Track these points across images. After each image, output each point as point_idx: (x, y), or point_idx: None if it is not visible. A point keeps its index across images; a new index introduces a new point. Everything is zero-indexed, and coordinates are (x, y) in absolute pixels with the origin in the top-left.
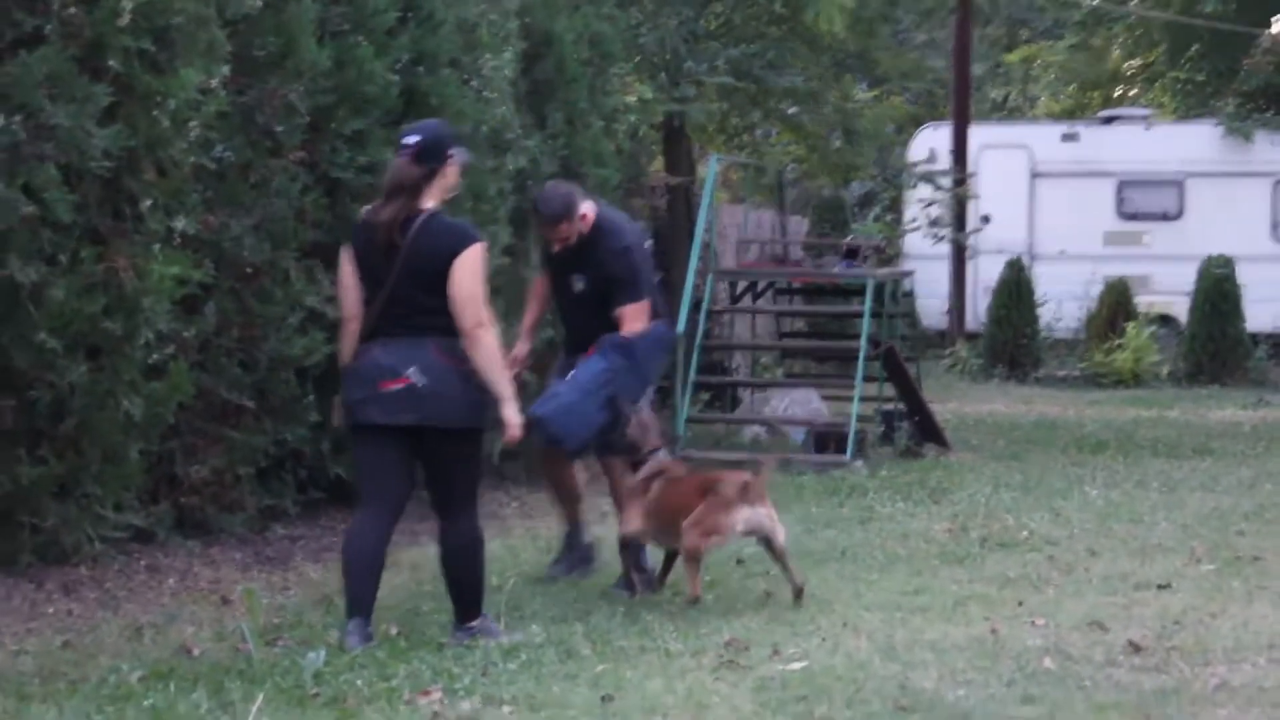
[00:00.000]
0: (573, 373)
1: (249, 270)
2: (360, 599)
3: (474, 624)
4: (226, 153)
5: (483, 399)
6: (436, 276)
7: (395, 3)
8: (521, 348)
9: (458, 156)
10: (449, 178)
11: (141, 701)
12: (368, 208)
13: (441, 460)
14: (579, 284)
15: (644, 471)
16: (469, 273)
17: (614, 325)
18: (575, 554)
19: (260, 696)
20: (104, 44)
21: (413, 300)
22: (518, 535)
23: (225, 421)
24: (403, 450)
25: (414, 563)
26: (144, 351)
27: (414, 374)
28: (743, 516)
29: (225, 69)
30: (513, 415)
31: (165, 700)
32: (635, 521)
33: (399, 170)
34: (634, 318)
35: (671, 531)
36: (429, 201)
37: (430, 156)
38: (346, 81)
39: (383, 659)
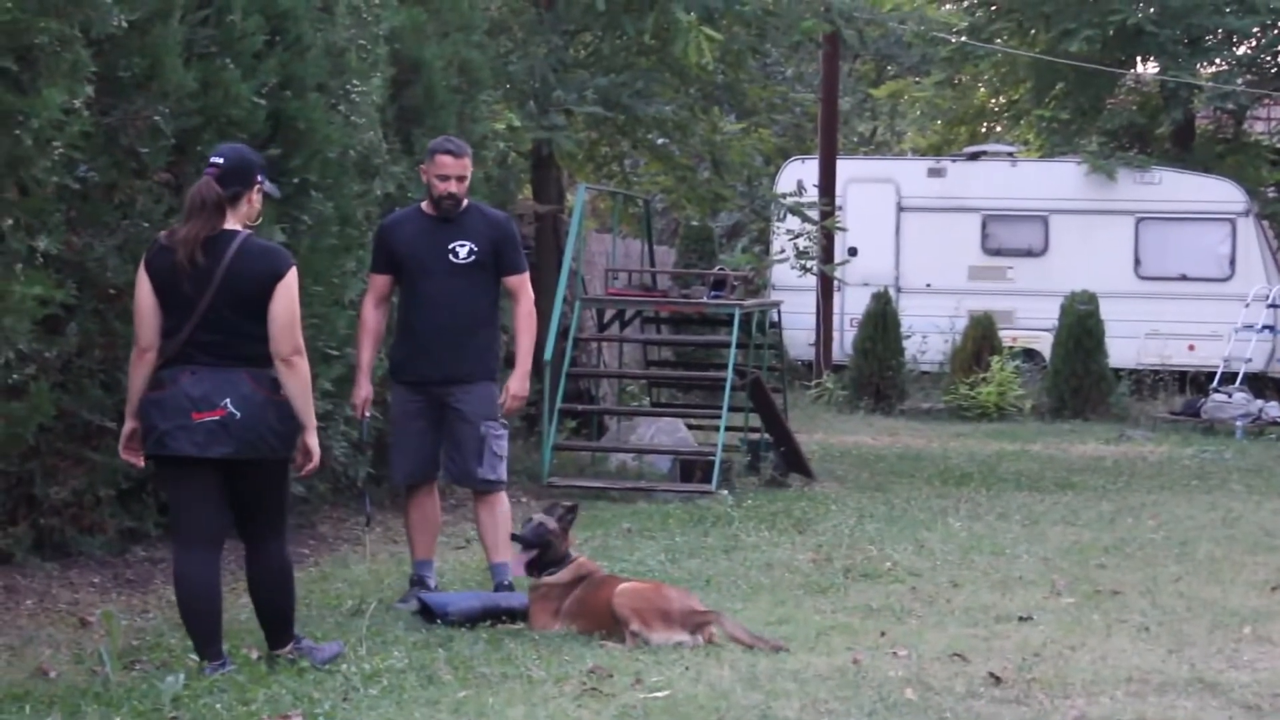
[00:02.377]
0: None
1: (112, 291)
2: (209, 640)
3: (285, 650)
4: (90, 173)
5: (293, 428)
6: (256, 300)
7: (263, 26)
8: (366, 388)
9: (264, 186)
10: (254, 205)
11: None
12: (164, 232)
13: (253, 490)
14: (463, 251)
15: (564, 575)
16: (289, 297)
17: (494, 297)
18: (418, 590)
19: None
20: None
21: (228, 325)
22: (381, 560)
23: (86, 443)
24: (216, 480)
25: None
26: (4, 371)
27: (229, 405)
28: (675, 638)
29: (89, 89)
30: (315, 444)
31: None
32: (546, 622)
33: (202, 188)
34: (526, 286)
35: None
36: (231, 224)
37: (235, 179)
38: (212, 104)
39: (242, 683)
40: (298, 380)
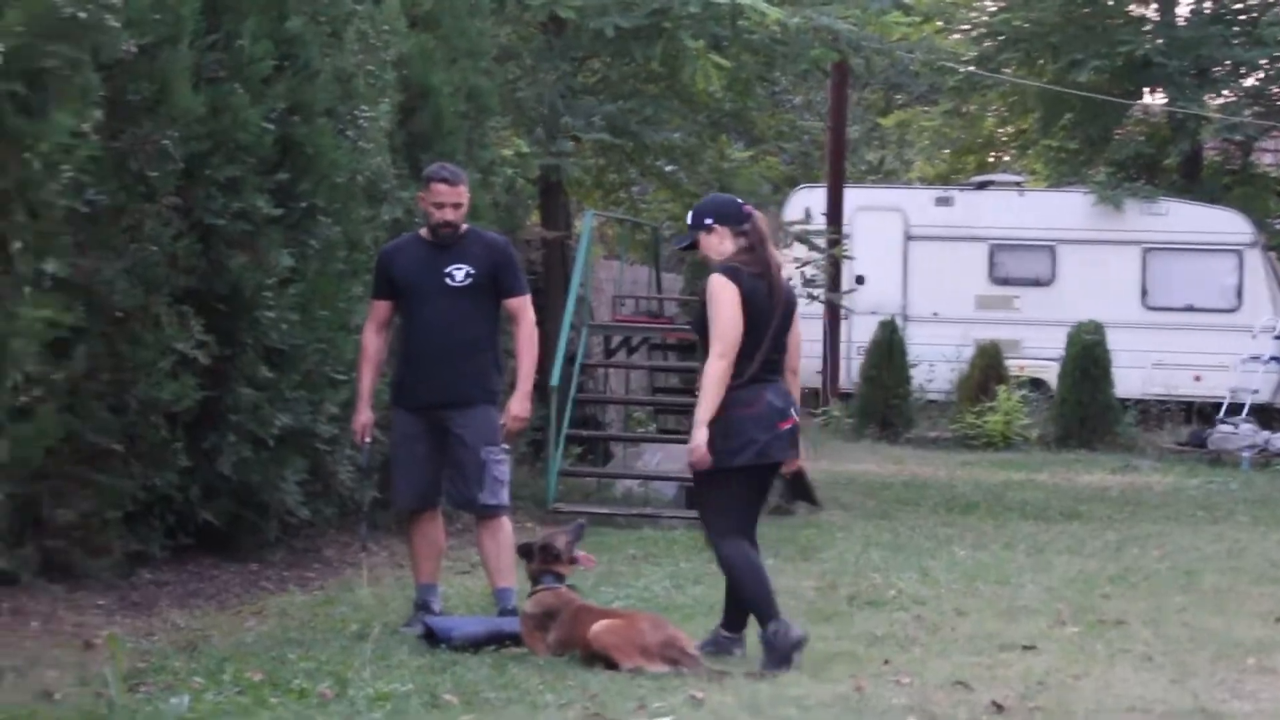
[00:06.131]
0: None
1: (120, 314)
2: (769, 603)
3: (769, 629)
4: (99, 196)
5: None
6: (790, 323)
7: (271, 51)
8: (366, 414)
9: None
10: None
11: None
12: (737, 260)
13: (768, 486)
14: (459, 274)
15: (537, 605)
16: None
17: (493, 320)
18: (422, 614)
19: None
20: None
21: (780, 345)
22: (386, 584)
23: (93, 465)
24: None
25: (282, 609)
26: (11, 394)
27: (794, 413)
28: (651, 666)
29: (98, 113)
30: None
31: None
32: (539, 650)
33: (766, 220)
34: (526, 308)
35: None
36: None
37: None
38: (221, 128)
39: (247, 705)
40: (798, 390)
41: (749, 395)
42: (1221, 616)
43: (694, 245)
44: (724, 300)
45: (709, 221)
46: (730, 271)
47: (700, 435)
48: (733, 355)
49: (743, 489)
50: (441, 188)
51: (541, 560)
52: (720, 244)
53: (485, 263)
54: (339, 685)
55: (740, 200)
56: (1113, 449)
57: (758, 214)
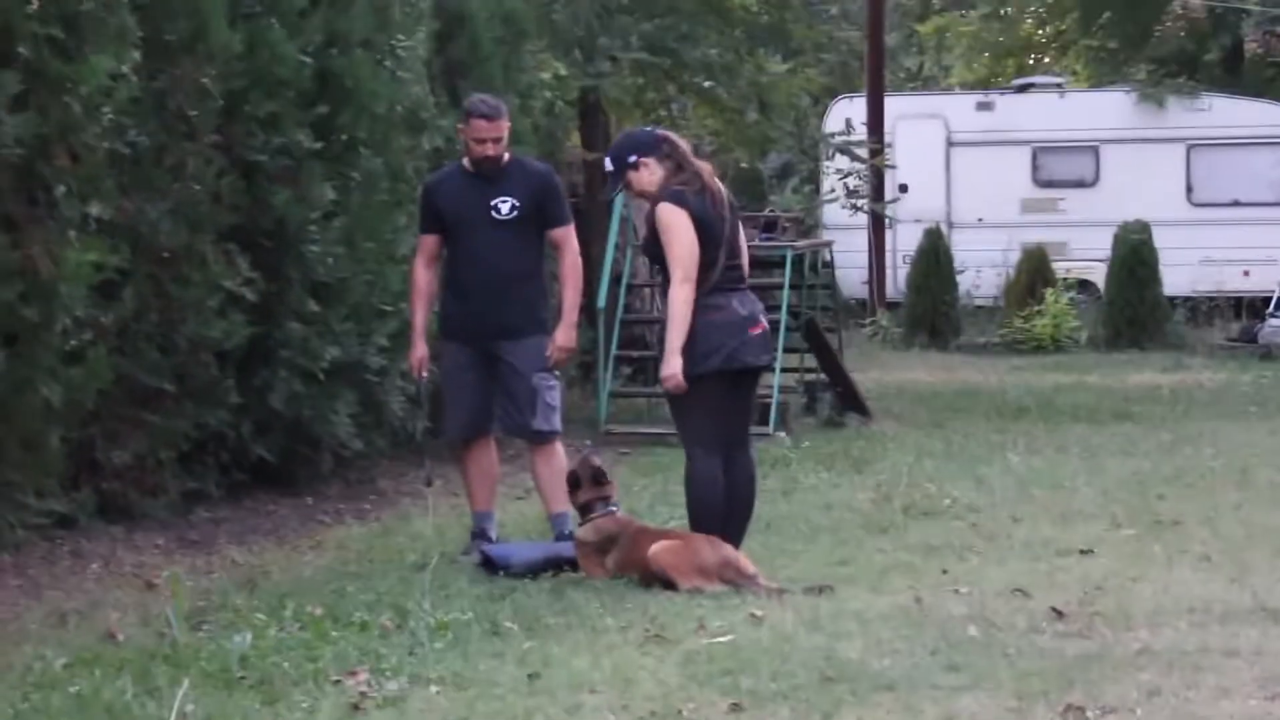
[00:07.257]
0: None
1: (166, 255)
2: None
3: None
4: (140, 138)
5: None
6: (738, 227)
7: None
8: (422, 348)
9: None
10: None
11: (67, 688)
12: (676, 184)
13: (751, 395)
14: (505, 207)
15: (596, 532)
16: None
17: (539, 250)
18: (480, 542)
19: (186, 681)
20: (13, 31)
21: (735, 251)
22: (442, 513)
23: (145, 406)
24: None
25: (339, 542)
26: (62, 338)
27: (762, 319)
28: (709, 586)
29: (136, 54)
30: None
31: (90, 687)
32: (597, 574)
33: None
34: (570, 238)
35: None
36: None
37: None
38: (259, 64)
39: (309, 640)
40: None
41: (715, 302)
42: (1278, 512)
43: (627, 186)
44: (677, 226)
45: (633, 159)
46: (675, 196)
47: (675, 363)
48: (694, 278)
49: (716, 397)
50: (481, 124)
51: (592, 487)
52: (651, 175)
53: (530, 194)
54: (399, 616)
55: (648, 128)
56: (1163, 348)
57: (670, 134)
